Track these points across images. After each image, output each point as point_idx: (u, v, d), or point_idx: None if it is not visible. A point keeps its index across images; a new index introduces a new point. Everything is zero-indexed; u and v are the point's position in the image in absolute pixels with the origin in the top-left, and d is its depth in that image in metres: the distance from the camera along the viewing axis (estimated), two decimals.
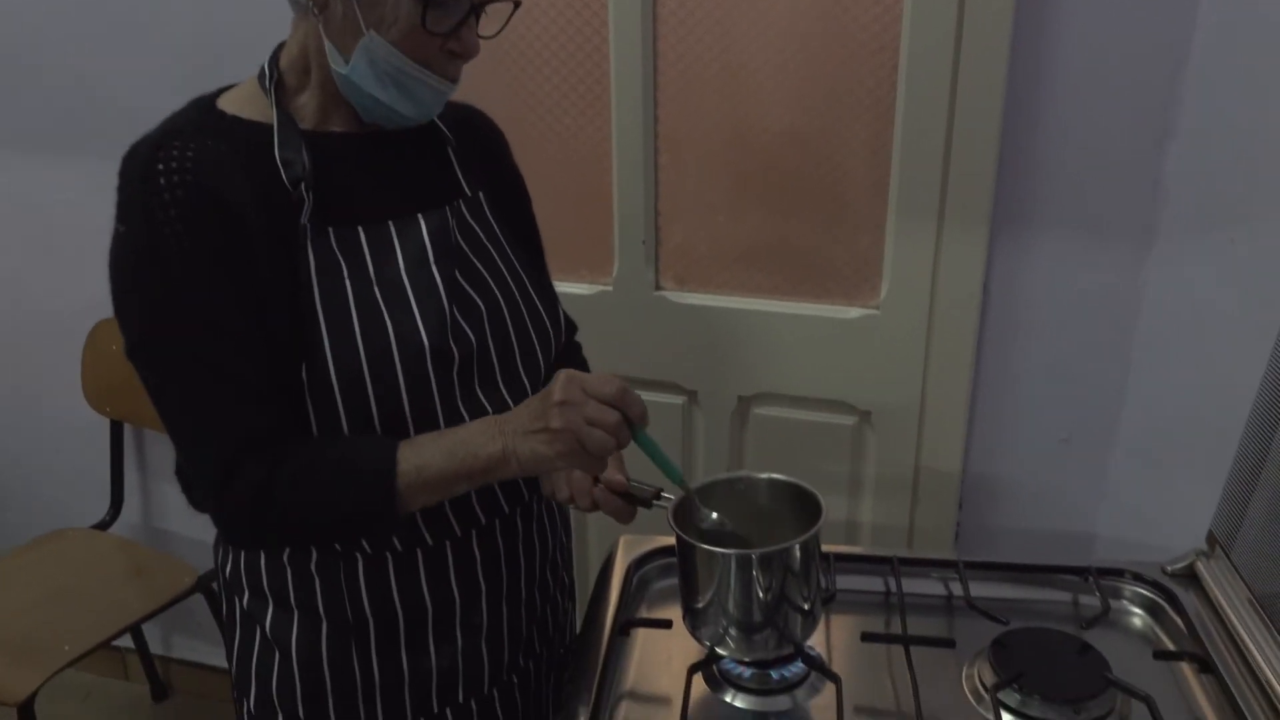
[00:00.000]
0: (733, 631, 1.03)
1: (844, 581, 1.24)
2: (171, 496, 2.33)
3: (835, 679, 1.03)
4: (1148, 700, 1.00)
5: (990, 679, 1.06)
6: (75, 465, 2.32)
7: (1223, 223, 1.45)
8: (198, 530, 2.27)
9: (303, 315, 0.99)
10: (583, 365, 1.32)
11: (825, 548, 1.23)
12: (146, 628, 2.40)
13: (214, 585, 2.11)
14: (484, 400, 1.08)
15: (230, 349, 0.97)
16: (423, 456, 0.99)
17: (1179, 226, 1.48)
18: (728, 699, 1.08)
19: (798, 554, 1.01)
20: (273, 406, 0.99)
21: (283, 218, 0.99)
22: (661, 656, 1.14)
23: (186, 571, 2.10)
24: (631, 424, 0.97)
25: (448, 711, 1.17)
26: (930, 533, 1.73)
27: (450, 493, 1.02)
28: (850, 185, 1.61)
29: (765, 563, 1.00)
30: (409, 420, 1.02)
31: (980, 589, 1.21)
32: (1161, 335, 1.53)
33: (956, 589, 1.22)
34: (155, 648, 2.52)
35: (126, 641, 2.44)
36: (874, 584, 1.25)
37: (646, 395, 1.77)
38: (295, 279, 0.99)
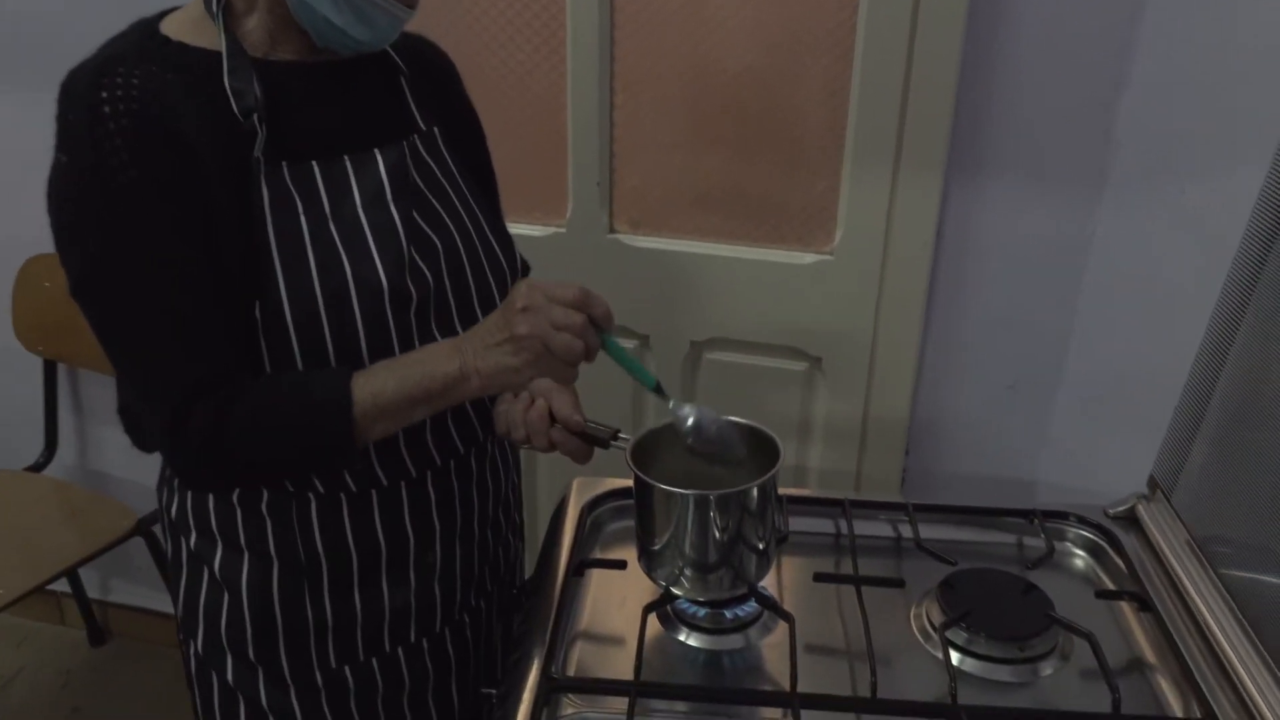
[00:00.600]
0: (689, 572, 1.04)
1: (796, 523, 1.25)
2: (109, 438, 2.28)
3: (788, 618, 1.04)
4: (1089, 637, 1.02)
5: (938, 618, 1.08)
6: (7, 406, 2.26)
7: (1174, 172, 1.46)
8: (137, 472, 2.22)
9: (256, 252, 0.96)
10: None
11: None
12: (84, 571, 2.36)
13: (155, 528, 2.08)
14: (440, 339, 1.06)
15: (181, 285, 0.94)
16: (377, 383, 0.97)
17: (1131, 175, 1.49)
18: (681, 638, 1.08)
19: (755, 496, 1.01)
20: (225, 345, 0.97)
21: (234, 150, 0.96)
22: (616, 597, 1.14)
23: (125, 514, 2.06)
24: (597, 327, 0.95)
25: (399, 651, 1.17)
26: (877, 478, 1.75)
27: (410, 418, 1.00)
28: (807, 129, 1.60)
29: (723, 504, 1.00)
30: (365, 361, 1.00)
31: (928, 531, 1.22)
32: (1109, 283, 1.56)
33: (905, 531, 1.24)
34: (93, 592, 2.49)
35: (63, 586, 2.40)
36: (825, 526, 1.26)
37: None
38: (248, 214, 0.96)
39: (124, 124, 0.91)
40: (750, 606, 1.10)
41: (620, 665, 1.04)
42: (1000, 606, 1.08)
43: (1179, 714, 0.99)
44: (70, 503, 2.14)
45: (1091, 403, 1.63)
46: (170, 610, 2.17)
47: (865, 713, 0.97)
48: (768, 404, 1.76)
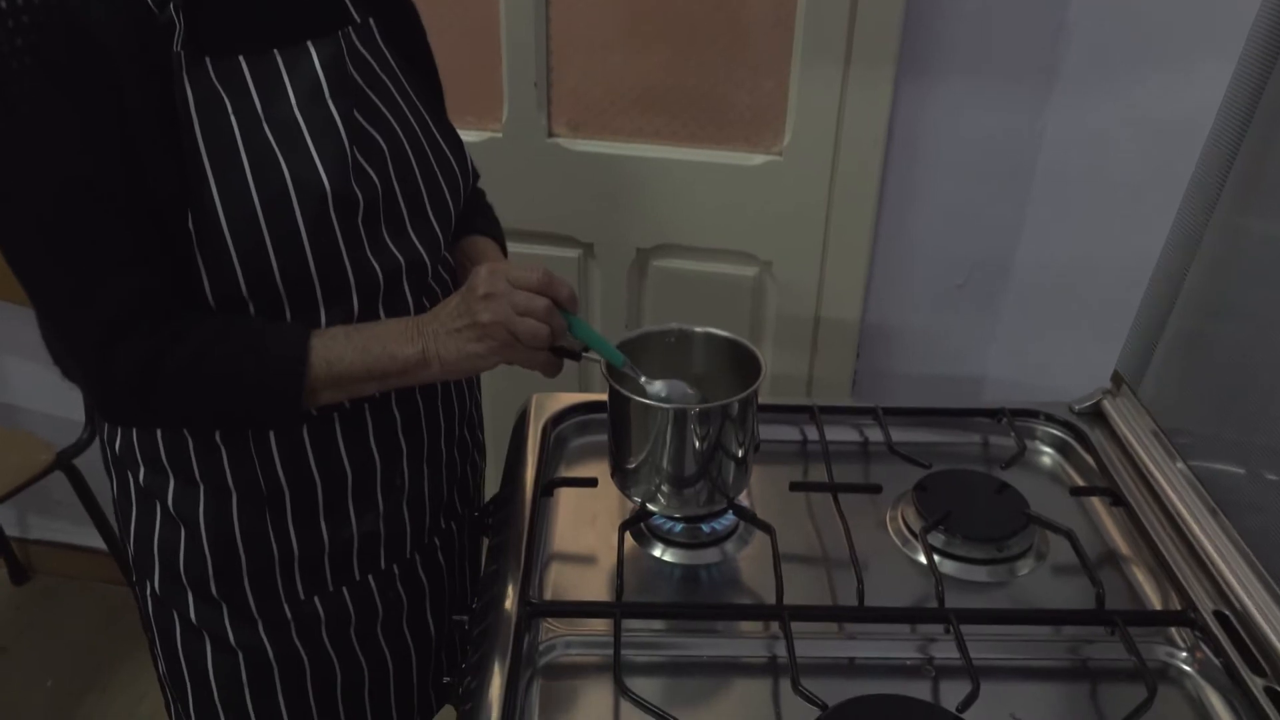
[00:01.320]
0: (666, 488, 1.00)
1: (764, 431, 1.22)
2: (24, 370, 2.15)
3: (769, 529, 1.02)
4: (1069, 534, 1.02)
5: (917, 522, 1.06)
6: None
7: (1126, 65, 1.44)
8: (52, 405, 2.11)
9: (183, 158, 0.87)
10: (489, 219, 1.24)
11: None
12: (0, 509, 2.25)
13: (76, 461, 1.98)
14: (394, 249, 1.00)
15: (98, 200, 0.86)
16: (335, 350, 0.93)
17: (1082, 68, 1.46)
18: (657, 554, 1.05)
19: (737, 410, 0.98)
20: (153, 265, 0.89)
21: (150, 46, 0.86)
22: (586, 515, 1.11)
23: (43, 449, 1.95)
24: (562, 309, 0.95)
25: (370, 578, 1.12)
26: (829, 381, 1.74)
27: (359, 392, 0.97)
28: (754, 23, 1.53)
29: (704, 418, 0.97)
30: (314, 274, 0.93)
31: (898, 434, 1.21)
32: (1060, 180, 1.54)
33: (875, 435, 1.22)
34: (11, 529, 2.37)
35: None
36: (792, 434, 1.24)
37: (540, 250, 1.75)
38: (170, 117, 0.87)
39: (24, 21, 0.81)
40: (727, 519, 1.07)
41: (598, 586, 1.01)
42: (976, 507, 1.08)
43: (1158, 606, 0.99)
44: None
45: (1041, 300, 1.63)
46: (96, 545, 2.09)
47: (854, 621, 0.95)
48: (718, 310, 1.72)
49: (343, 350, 0.93)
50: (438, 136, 1.07)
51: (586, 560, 1.05)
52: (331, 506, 1.06)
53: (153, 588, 1.09)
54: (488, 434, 1.30)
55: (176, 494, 1.03)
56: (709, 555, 1.06)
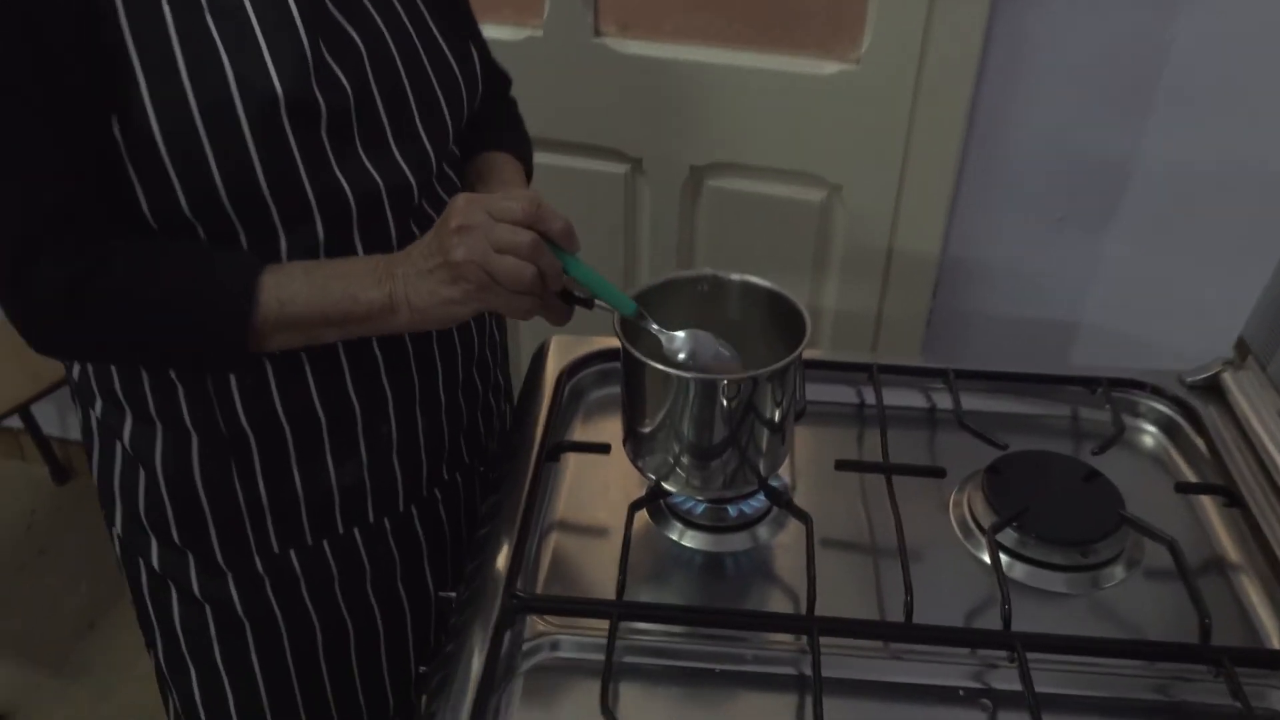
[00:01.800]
0: (685, 465, 0.85)
1: (813, 391, 1.05)
2: None
3: (805, 518, 0.86)
4: (1171, 545, 0.85)
5: (985, 515, 0.90)
6: None
7: None
8: None
9: (107, 54, 0.73)
10: (518, 134, 1.07)
11: None
12: (39, 409, 2.20)
13: None
14: (369, 165, 0.84)
15: (7, 103, 0.73)
16: (290, 288, 0.80)
17: None
18: (674, 536, 0.91)
19: (773, 379, 0.82)
20: (80, 178, 0.76)
21: None
22: (598, 484, 0.96)
23: None
24: (556, 247, 0.79)
25: (356, 532, 1.00)
26: (899, 322, 1.55)
27: (319, 338, 0.84)
28: None
29: (734, 391, 0.81)
30: (266, 194, 0.79)
31: (971, 401, 1.03)
32: (1187, 97, 1.31)
33: (943, 402, 1.05)
34: (50, 429, 2.33)
35: (17, 423, 2.25)
36: (847, 395, 1.07)
37: (581, 163, 1.56)
38: (92, 6, 0.72)
39: None
40: (758, 501, 0.92)
41: (602, 572, 0.87)
42: (1059, 500, 0.91)
43: (1277, 641, 0.82)
44: (13, 340, 1.95)
45: (1154, 243, 1.41)
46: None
47: (898, 641, 0.80)
48: (779, 238, 1.54)
49: (298, 288, 0.80)
50: (436, 35, 0.90)
51: (593, 540, 0.91)
52: (305, 455, 0.94)
53: (117, 529, 0.98)
54: (518, 378, 1.15)
55: (133, 432, 0.92)
56: (736, 541, 0.91)
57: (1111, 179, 1.40)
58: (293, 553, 0.98)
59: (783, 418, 0.85)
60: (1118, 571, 0.87)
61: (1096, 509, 0.89)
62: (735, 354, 0.87)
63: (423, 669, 0.86)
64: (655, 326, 0.84)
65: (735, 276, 0.90)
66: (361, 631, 1.05)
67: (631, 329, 0.83)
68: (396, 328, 0.82)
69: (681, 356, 0.84)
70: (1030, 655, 0.76)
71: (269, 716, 1.05)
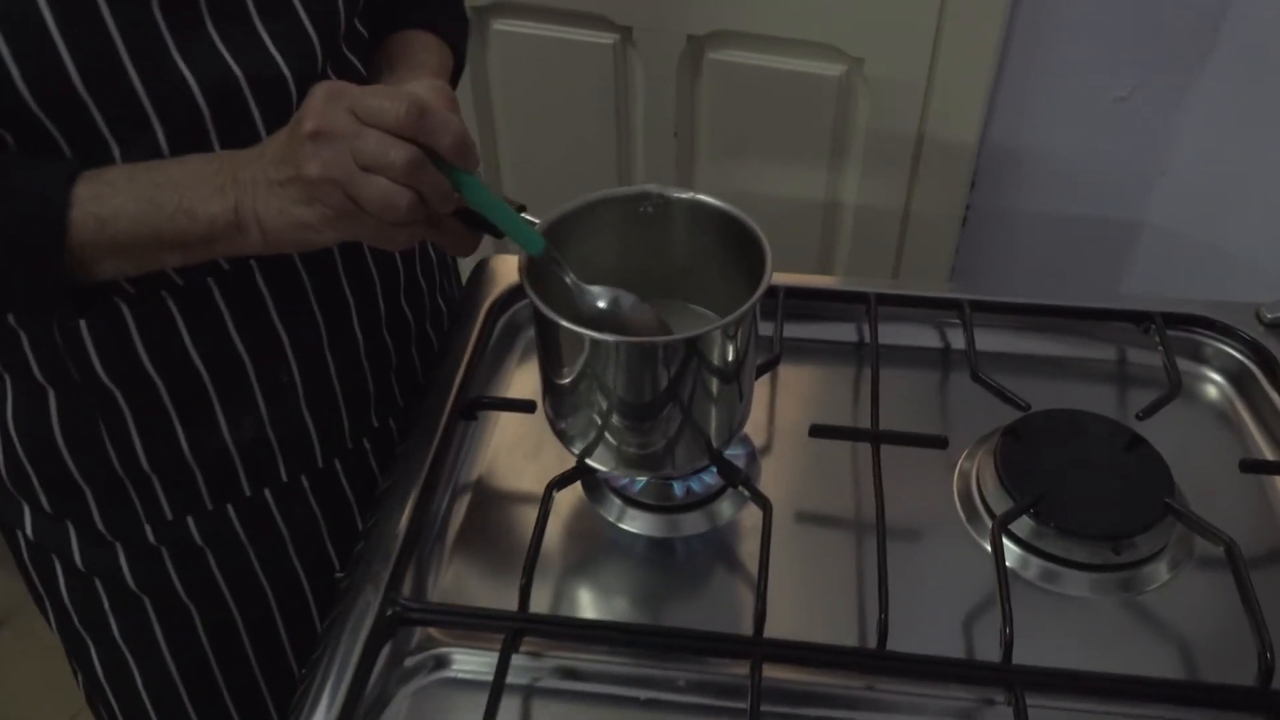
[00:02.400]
0: (614, 436, 0.68)
1: (800, 330, 0.87)
2: None
3: (763, 503, 0.70)
4: (1229, 548, 0.66)
5: (997, 497, 0.72)
6: None
7: None
8: None
9: None
10: (449, 8, 0.88)
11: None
12: None
13: None
14: (222, 46, 0.66)
15: None
16: (112, 203, 0.62)
17: None
18: (611, 517, 0.75)
19: (722, 339, 0.64)
20: None
21: None
22: (527, 446, 0.80)
23: None
24: (444, 163, 0.60)
25: (266, 493, 0.85)
26: (932, 221, 1.35)
27: (157, 263, 0.66)
28: None
29: (671, 353, 0.63)
30: (81, 90, 0.61)
31: (990, 340, 0.84)
32: None
33: (956, 340, 0.86)
34: None
35: None
36: (840, 333, 0.89)
37: (563, 32, 1.35)
38: None
39: None
40: (711, 476, 0.75)
41: (521, 561, 0.71)
42: (1089, 479, 0.73)
43: None
44: None
45: (1245, 129, 1.17)
46: None
47: (867, 672, 0.64)
48: (791, 121, 1.33)
49: (122, 202, 0.62)
50: None
51: (515, 517, 0.75)
52: (188, 413, 0.78)
53: None
54: None
55: None
56: (688, 523, 0.74)
57: (1193, 44, 1.15)
58: (190, 520, 0.84)
59: (735, 378, 0.67)
60: (1158, 572, 0.70)
61: (1136, 491, 0.71)
62: (659, 318, 0.69)
63: (304, 671, 0.72)
64: (571, 277, 0.66)
65: (683, 195, 0.71)
66: (287, 603, 0.91)
67: (538, 270, 0.65)
68: (250, 249, 0.64)
69: (601, 305, 0.66)
70: (1033, 697, 0.60)
71: (184, 695, 0.93)
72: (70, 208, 0.62)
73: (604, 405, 0.66)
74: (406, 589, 0.67)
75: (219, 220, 0.62)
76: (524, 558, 0.67)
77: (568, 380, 0.67)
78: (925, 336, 0.87)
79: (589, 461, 0.70)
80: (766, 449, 0.80)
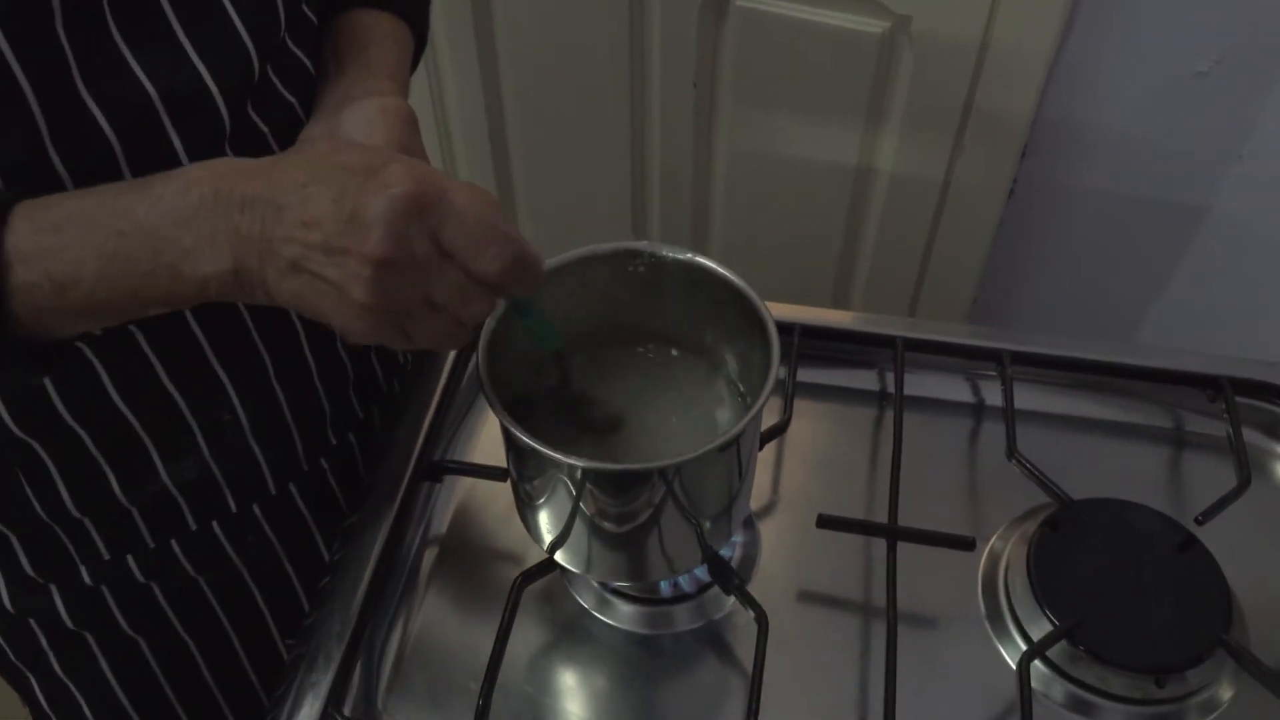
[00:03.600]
0: (591, 548, 0.60)
1: (814, 375, 0.77)
2: None
3: (759, 614, 0.61)
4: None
5: (1027, 609, 0.64)
6: None
7: None
8: None
9: None
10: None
11: (786, 310, 0.76)
12: None
13: None
14: (133, 62, 0.56)
15: None
16: (62, 258, 0.50)
17: None
18: (588, 605, 0.67)
19: (718, 459, 0.54)
20: None
21: None
22: (501, 507, 0.72)
23: None
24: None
25: (214, 525, 0.78)
26: (974, 192, 1.22)
27: (136, 316, 0.55)
28: None
29: (645, 480, 0.54)
30: None
31: (1028, 397, 0.74)
32: None
33: (991, 396, 0.76)
34: None
35: None
36: (861, 381, 0.78)
37: None
38: None
39: None
40: (701, 572, 0.66)
41: (480, 666, 0.64)
42: (1134, 592, 0.64)
43: None
44: None
45: None
46: None
47: None
48: (826, 80, 1.19)
49: (77, 256, 0.50)
50: None
51: (484, 598, 0.67)
52: (116, 457, 0.70)
53: None
54: None
55: None
56: (676, 617, 0.66)
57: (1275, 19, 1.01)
58: (130, 558, 0.76)
59: (734, 486, 0.58)
60: (1207, 708, 0.61)
61: (1189, 615, 0.62)
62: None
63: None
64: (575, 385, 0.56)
65: (678, 255, 0.61)
66: (246, 629, 0.85)
67: (505, 373, 0.56)
68: (249, 302, 0.54)
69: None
70: None
71: None
72: (9, 270, 0.50)
73: (575, 521, 0.57)
74: (349, 706, 0.60)
75: (213, 282, 0.51)
76: (485, 663, 0.60)
77: (534, 483, 0.58)
78: (956, 389, 0.77)
79: (559, 560, 0.62)
80: (767, 518, 0.71)
